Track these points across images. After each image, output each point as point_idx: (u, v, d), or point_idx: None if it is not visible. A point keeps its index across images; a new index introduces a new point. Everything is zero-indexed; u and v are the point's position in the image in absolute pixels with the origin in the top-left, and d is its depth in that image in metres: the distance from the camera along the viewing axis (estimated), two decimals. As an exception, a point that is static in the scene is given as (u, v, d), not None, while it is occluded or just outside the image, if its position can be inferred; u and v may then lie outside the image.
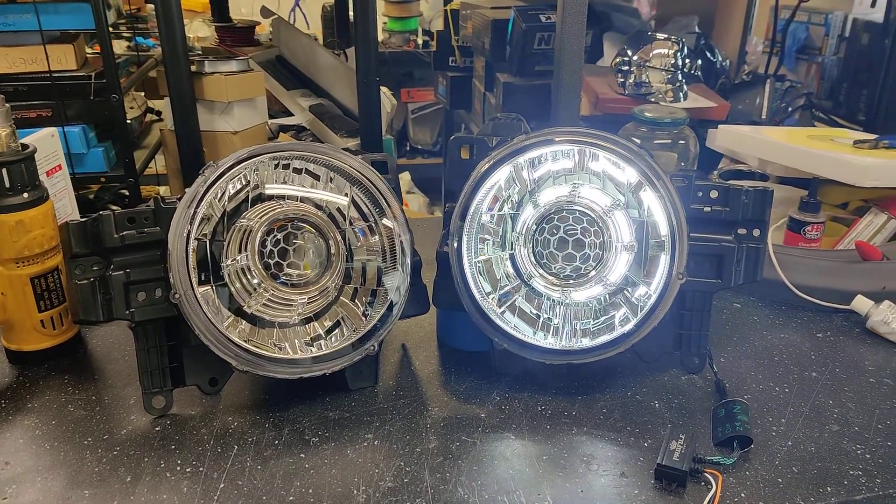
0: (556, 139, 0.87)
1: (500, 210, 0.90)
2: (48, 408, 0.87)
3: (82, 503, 0.72)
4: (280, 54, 1.98)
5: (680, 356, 0.93)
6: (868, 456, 0.78)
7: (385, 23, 3.88)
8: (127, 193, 1.67)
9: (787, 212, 1.14)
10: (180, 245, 0.81)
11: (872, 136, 1.18)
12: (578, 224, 0.87)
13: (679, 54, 1.51)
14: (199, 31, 3.19)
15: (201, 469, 0.77)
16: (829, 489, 0.73)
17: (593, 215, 0.87)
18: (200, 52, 1.99)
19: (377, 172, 0.90)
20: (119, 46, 2.66)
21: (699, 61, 1.61)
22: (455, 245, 0.88)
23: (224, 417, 0.85)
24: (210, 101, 1.54)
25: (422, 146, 3.95)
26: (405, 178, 3.33)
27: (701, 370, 0.92)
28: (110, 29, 1.66)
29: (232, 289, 0.87)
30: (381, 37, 3.99)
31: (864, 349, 0.99)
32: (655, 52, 1.53)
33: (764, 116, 1.71)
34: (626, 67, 1.54)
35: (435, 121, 3.87)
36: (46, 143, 1.15)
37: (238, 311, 0.87)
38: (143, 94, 2.07)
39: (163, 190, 2.23)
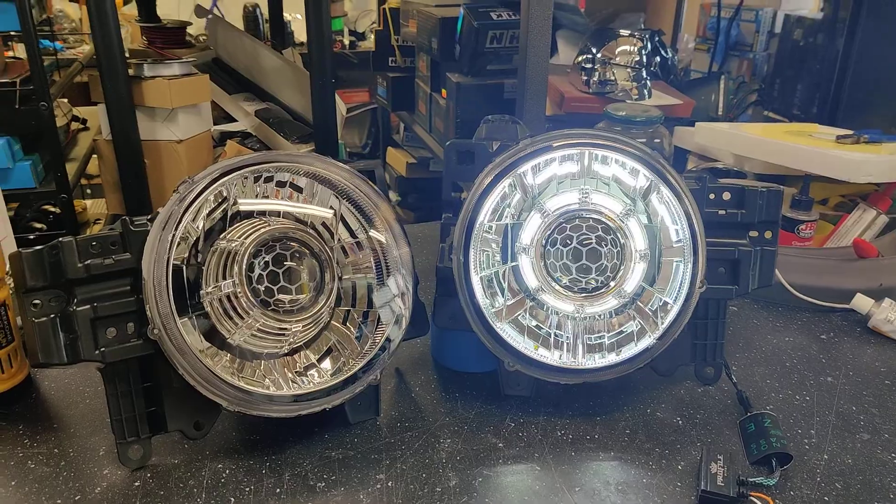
0: (564, 143, 0.81)
1: (499, 220, 0.83)
2: (5, 465, 0.75)
3: (55, 583, 0.61)
4: (217, 57, 1.84)
5: (695, 367, 0.89)
6: (905, 464, 0.75)
7: (311, 23, 3.76)
8: (55, 210, 1.50)
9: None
10: (158, 272, 0.71)
11: (850, 132, 1.18)
12: (593, 233, 0.81)
13: (643, 51, 1.49)
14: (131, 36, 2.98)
15: (195, 530, 0.67)
16: None
17: (609, 223, 0.81)
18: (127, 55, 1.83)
19: (369, 182, 0.82)
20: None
21: (657, 58, 1.60)
22: (461, 259, 0.81)
23: (213, 465, 0.75)
24: (151, 108, 1.41)
25: (351, 149, 3.84)
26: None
27: (717, 381, 0.89)
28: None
29: (213, 319, 0.77)
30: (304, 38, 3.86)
31: (871, 349, 0.98)
32: (620, 48, 1.50)
33: (721, 112, 1.71)
34: (589, 65, 1.50)
35: (364, 122, 3.77)
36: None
37: (220, 344, 0.77)
38: (66, 100, 1.89)
39: (89, 204, 2.05)
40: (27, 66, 1.34)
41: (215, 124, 1.74)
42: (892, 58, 1.59)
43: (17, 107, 1.34)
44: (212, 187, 0.74)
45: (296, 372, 0.80)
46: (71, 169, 1.56)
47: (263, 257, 0.77)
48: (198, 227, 0.76)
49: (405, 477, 0.73)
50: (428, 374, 0.92)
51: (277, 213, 0.81)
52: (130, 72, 1.35)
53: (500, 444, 0.79)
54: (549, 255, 0.82)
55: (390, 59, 2.51)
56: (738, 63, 2.71)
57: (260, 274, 0.76)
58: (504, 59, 1.89)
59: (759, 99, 1.84)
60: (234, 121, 1.73)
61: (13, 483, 0.72)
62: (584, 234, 0.81)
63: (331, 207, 0.83)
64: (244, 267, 0.76)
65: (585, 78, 1.53)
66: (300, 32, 3.93)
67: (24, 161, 1.43)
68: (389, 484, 0.73)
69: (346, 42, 4.04)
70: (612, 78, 1.49)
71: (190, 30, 2.16)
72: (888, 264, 1.05)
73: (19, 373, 0.85)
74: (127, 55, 1.83)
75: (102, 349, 0.72)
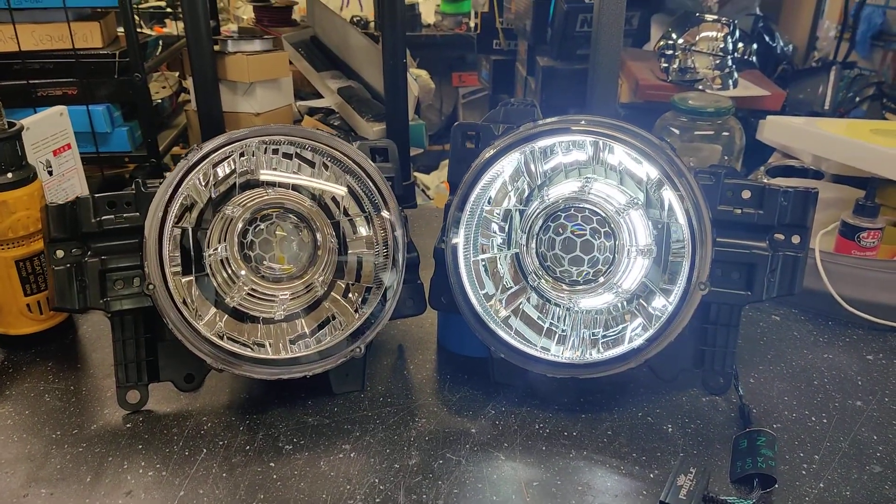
0: (570, 128, 0.77)
1: (505, 204, 0.82)
2: (25, 396, 0.84)
3: (37, 503, 0.68)
4: (314, 35, 1.92)
5: (702, 375, 0.83)
6: (913, 506, 0.67)
7: (438, 5, 3.80)
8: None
9: (840, 215, 1.01)
10: (155, 232, 0.76)
11: (945, 133, 1.04)
12: (588, 224, 0.78)
13: (730, 38, 1.39)
14: (249, 12, 3.17)
15: (164, 473, 0.72)
16: (861, 543, 0.63)
17: (604, 214, 0.78)
18: (236, 33, 1.95)
19: (372, 162, 0.83)
20: (177, 27, 2.66)
21: (755, 45, 1.48)
22: (452, 241, 0.80)
23: (199, 417, 0.80)
24: (232, 82, 1.50)
25: (473, 132, 3.86)
26: (450, 164, 3.24)
27: (725, 392, 0.82)
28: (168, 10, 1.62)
29: (215, 281, 0.81)
30: (433, 19, 3.91)
31: (921, 376, 0.87)
32: (703, 34, 1.40)
33: (827, 107, 1.56)
34: (670, 52, 1.42)
35: (486, 105, 3.78)
36: (54, 121, 1.12)
37: (222, 305, 0.82)
38: (176, 74, 2.05)
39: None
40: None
41: (305, 100, 1.82)
42: None
43: (115, 77, 1.48)
44: (215, 154, 0.78)
45: (289, 339, 0.84)
46: (168, 135, 1.70)
47: (257, 225, 0.80)
48: (209, 193, 0.81)
49: (369, 450, 0.75)
50: (427, 354, 0.93)
51: (288, 186, 0.84)
52: (216, 47, 1.44)
53: (473, 430, 0.78)
54: (542, 243, 0.80)
55: (494, 41, 2.50)
56: (882, 55, 2.45)
57: (251, 240, 0.80)
58: (594, 44, 1.83)
59: (879, 93, 1.66)
60: (321, 97, 1.80)
61: (27, 412, 0.81)
62: (578, 225, 0.78)
63: (341, 184, 0.85)
64: (238, 233, 0.80)
65: (665, 65, 1.44)
66: (427, 15, 3.99)
67: (123, 127, 1.57)
68: (352, 455, 0.74)
69: (472, 24, 4.05)
70: (693, 66, 1.40)
71: (300, 10, 2.26)
72: (962, 283, 0.92)
73: (58, 315, 0.95)
74: (236, 33, 1.95)
75: (106, 299, 0.78)
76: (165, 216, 0.77)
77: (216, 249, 0.81)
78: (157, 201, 0.77)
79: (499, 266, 0.83)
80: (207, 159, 0.79)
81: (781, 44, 1.70)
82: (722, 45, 1.38)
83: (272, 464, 0.73)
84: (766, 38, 1.60)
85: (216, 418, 0.80)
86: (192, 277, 0.80)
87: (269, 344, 0.82)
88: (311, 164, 0.84)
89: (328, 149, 0.81)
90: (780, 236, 0.79)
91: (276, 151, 0.83)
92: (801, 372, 0.88)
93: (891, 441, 0.75)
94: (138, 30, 1.54)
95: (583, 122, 0.77)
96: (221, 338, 0.79)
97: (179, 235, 0.79)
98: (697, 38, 1.39)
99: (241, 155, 0.81)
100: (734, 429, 0.77)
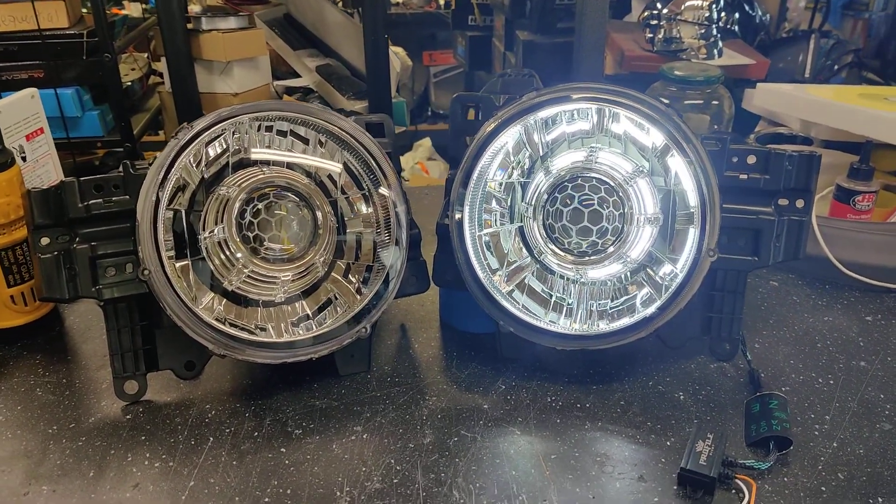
0: (572, 96, 0.76)
1: (508, 177, 0.80)
2: (15, 391, 0.80)
3: (39, 500, 0.66)
4: (287, 12, 1.87)
5: (709, 342, 0.83)
6: (926, 461, 0.68)
7: (408, -17, 3.74)
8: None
9: (835, 179, 1.02)
10: (149, 215, 0.73)
11: (932, 95, 1.05)
12: (595, 193, 0.77)
13: (714, 7, 1.38)
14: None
15: (171, 464, 0.69)
16: (880, 500, 0.63)
17: (612, 183, 0.77)
18: (209, 11, 1.89)
19: (370, 137, 0.80)
20: (136, 9, 2.58)
21: (736, 15, 1.48)
22: (456, 216, 0.78)
23: (202, 405, 0.78)
24: (208, 61, 1.45)
25: (444, 111, 3.82)
26: (426, 143, 3.22)
27: (732, 358, 0.82)
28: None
29: (211, 264, 0.79)
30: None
31: (920, 335, 0.88)
32: (687, 4, 1.40)
33: (808, 75, 1.57)
34: (654, 22, 1.41)
35: (458, 84, 3.74)
36: (25, 104, 1.07)
37: (219, 289, 0.79)
38: (145, 55, 1.98)
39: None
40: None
41: (281, 79, 1.78)
42: None
43: (84, 58, 1.42)
44: (207, 132, 0.75)
45: (291, 322, 0.81)
46: (141, 119, 1.65)
47: (255, 205, 0.78)
48: (201, 173, 0.78)
49: (381, 430, 0.73)
50: (431, 332, 0.91)
51: (283, 164, 0.81)
52: (189, 25, 1.39)
53: (486, 406, 0.77)
54: (550, 215, 0.79)
55: (470, 17, 2.47)
56: (853, 23, 2.48)
57: (250, 221, 0.77)
58: (575, 17, 1.81)
59: (857, 61, 1.67)
60: (299, 76, 1.76)
61: (19, 408, 0.77)
62: (585, 195, 0.77)
63: (337, 161, 0.82)
64: (235, 213, 0.77)
65: (650, 35, 1.44)
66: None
67: (93, 111, 1.52)
68: (365, 436, 0.73)
69: (442, 2, 3.99)
70: (678, 35, 1.39)
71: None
72: (956, 243, 0.94)
73: (44, 306, 0.91)
74: (201, 11, 1.89)
75: (99, 287, 0.75)
76: (158, 199, 0.73)
77: (212, 232, 0.78)
78: (148, 183, 0.74)
79: (503, 240, 0.82)
80: (199, 138, 0.75)
81: (760, 13, 1.70)
82: (707, 15, 1.38)
83: (283, 449, 0.71)
84: (746, 8, 1.60)
85: (220, 405, 0.78)
86: (187, 261, 0.77)
87: (272, 327, 0.80)
88: (306, 141, 0.82)
89: (324, 124, 0.79)
90: (785, 201, 0.79)
91: (269, 129, 0.80)
92: (804, 335, 0.88)
93: (898, 399, 0.76)
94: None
95: (587, 90, 0.76)
96: (222, 322, 0.76)
97: (172, 218, 0.76)
98: (682, 7, 1.39)
99: (234, 133, 0.78)
100: (744, 393, 0.77)
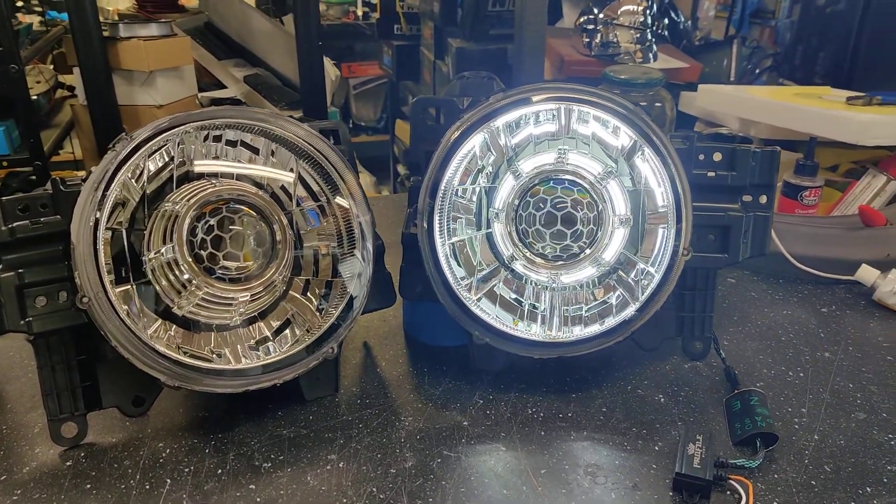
0: (538, 97, 0.74)
1: (473, 183, 0.77)
2: (-68, 443, 0.71)
3: (-27, 567, 0.57)
4: (209, 21, 1.78)
5: (682, 342, 0.82)
6: (905, 448, 0.69)
7: (324, -6, 3.68)
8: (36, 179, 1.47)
9: (781, 176, 1.04)
10: (87, 236, 0.66)
11: (863, 94, 1.09)
12: (568, 196, 0.75)
13: (647, 12, 1.40)
14: (119, 2, 2.93)
15: (126, 512, 0.62)
16: (868, 490, 0.64)
17: (585, 184, 0.75)
18: (126, 18, 1.78)
19: (328, 143, 0.76)
20: (32, 21, 2.42)
21: (666, 20, 1.51)
22: (425, 225, 0.75)
23: (153, 444, 0.70)
24: (128, 71, 1.35)
25: (365, 123, 3.77)
26: (349, 156, 3.15)
27: (705, 356, 0.82)
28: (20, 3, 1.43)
29: (157, 287, 0.72)
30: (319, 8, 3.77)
31: (875, 323, 0.91)
32: (623, 9, 1.41)
33: (732, 78, 1.62)
34: (591, 27, 1.42)
35: (378, 96, 3.70)
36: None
37: (166, 314, 0.72)
38: (51, 67, 1.85)
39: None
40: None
41: (205, 91, 1.69)
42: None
43: (-13, 70, 1.30)
44: (149, 144, 0.68)
45: (249, 345, 0.75)
46: (50, 136, 1.52)
47: (207, 220, 0.72)
48: (141, 189, 0.71)
49: (358, 457, 0.68)
50: (397, 348, 0.87)
51: (232, 176, 0.75)
52: (105, 33, 1.30)
53: (466, 423, 0.73)
54: (522, 220, 0.76)
55: (395, 26, 2.43)
56: (760, 31, 2.59)
57: (203, 238, 0.71)
58: (507, 23, 1.81)
59: (775, 65, 1.74)
60: (224, 87, 1.68)
61: (-60, 460, 0.68)
62: (558, 198, 0.75)
63: (291, 170, 0.77)
64: (185, 231, 0.71)
65: (587, 40, 1.44)
66: None
67: (-4, 127, 1.39)
68: (341, 465, 0.67)
69: (360, 13, 3.94)
70: (615, 40, 1.40)
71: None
72: (897, 233, 0.97)
73: (-40, 344, 0.81)
74: (115, 19, 1.78)
75: (29, 319, 0.67)
76: (98, 216, 0.66)
77: (159, 252, 0.71)
78: (83, 201, 0.67)
79: (471, 248, 0.78)
80: (140, 150, 0.69)
81: (683, 20, 1.75)
82: (641, 19, 1.40)
83: (252, 486, 0.65)
84: (672, 14, 1.64)
85: (175, 443, 0.71)
86: (129, 286, 0.70)
87: (228, 352, 0.73)
88: (256, 151, 0.76)
89: (278, 131, 0.74)
90: (749, 197, 0.79)
91: (217, 138, 0.74)
92: (768, 330, 0.89)
93: (865, 388, 0.78)
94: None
95: (555, 90, 0.74)
96: (175, 350, 0.70)
97: (110, 238, 0.69)
98: (618, 12, 1.40)
99: (178, 144, 0.71)
100: (722, 392, 0.77)
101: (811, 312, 0.93)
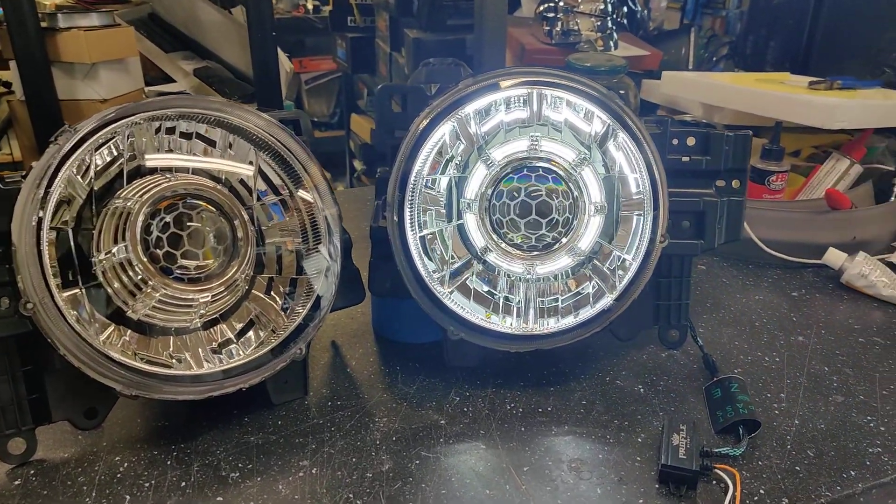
0: (509, 82, 0.71)
1: (443, 173, 0.74)
2: None
3: None
4: (153, 12, 1.71)
5: (658, 330, 0.81)
6: (882, 428, 0.68)
7: (274, -13, 3.59)
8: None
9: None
10: (29, 238, 0.61)
11: (823, 79, 1.10)
12: (542, 183, 0.72)
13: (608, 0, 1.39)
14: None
15: (82, 533, 0.58)
16: (852, 473, 0.63)
17: (560, 172, 0.72)
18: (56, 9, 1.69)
19: (290, 133, 0.72)
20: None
21: (625, 8, 1.50)
22: (395, 218, 0.71)
23: (109, 458, 0.66)
24: (69, 64, 1.28)
25: (318, 118, 3.70)
26: (302, 152, 3.08)
27: (682, 345, 0.81)
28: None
29: (109, 290, 0.67)
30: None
31: (844, 306, 0.91)
32: (583, -4, 1.40)
33: (691, 66, 1.62)
34: (552, 14, 1.40)
35: (331, 91, 3.63)
36: None
37: (120, 319, 0.67)
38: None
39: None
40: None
41: (152, 85, 1.62)
42: (862, 4, 1.51)
43: (-86, 64, 1.22)
44: (95, 137, 0.64)
45: (211, 349, 0.71)
46: (-13, 135, 1.44)
47: (163, 217, 0.67)
48: (88, 185, 0.66)
49: (332, 462, 0.65)
50: (367, 346, 0.83)
51: (187, 170, 0.71)
52: (43, 24, 1.23)
53: (443, 422, 0.70)
54: (496, 210, 0.73)
55: (349, 18, 2.38)
56: (711, 20, 2.63)
57: (158, 237, 0.67)
58: (465, 13, 1.78)
59: (731, 53, 1.76)
60: (172, 81, 1.61)
61: None
62: (532, 186, 0.72)
63: (250, 162, 0.73)
64: (139, 229, 0.66)
65: (548, 28, 1.43)
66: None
67: (-71, 125, 1.31)
68: (314, 471, 0.64)
69: (311, 6, 3.87)
70: (576, 28, 1.39)
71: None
72: (862, 216, 0.98)
73: None
74: (53, 10, 1.69)
75: (-33, 328, 0.61)
76: (41, 215, 0.61)
77: (110, 252, 0.66)
78: (24, 199, 0.62)
79: (442, 241, 0.75)
80: (85, 144, 0.64)
81: (640, 9, 1.75)
82: (602, 7, 1.39)
83: (220, 498, 0.61)
84: (630, 3, 1.63)
85: (133, 456, 0.66)
86: (78, 290, 0.65)
87: (189, 357, 0.69)
88: (212, 143, 0.72)
89: (236, 121, 0.70)
90: (722, 182, 0.78)
91: (170, 130, 0.70)
92: (742, 315, 0.89)
93: (841, 370, 0.78)
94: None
95: (526, 73, 0.71)
96: (131, 357, 0.65)
97: (55, 239, 0.64)
98: (579, 0, 1.39)
99: (128, 137, 0.67)
100: (701, 379, 0.76)
101: (782, 297, 0.93)
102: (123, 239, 0.66)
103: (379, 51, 2.17)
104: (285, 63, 1.60)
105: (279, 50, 1.49)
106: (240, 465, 0.65)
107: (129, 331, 0.68)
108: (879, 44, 1.29)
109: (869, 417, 0.70)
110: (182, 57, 1.63)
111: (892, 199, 1.01)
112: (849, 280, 0.93)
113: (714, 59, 1.71)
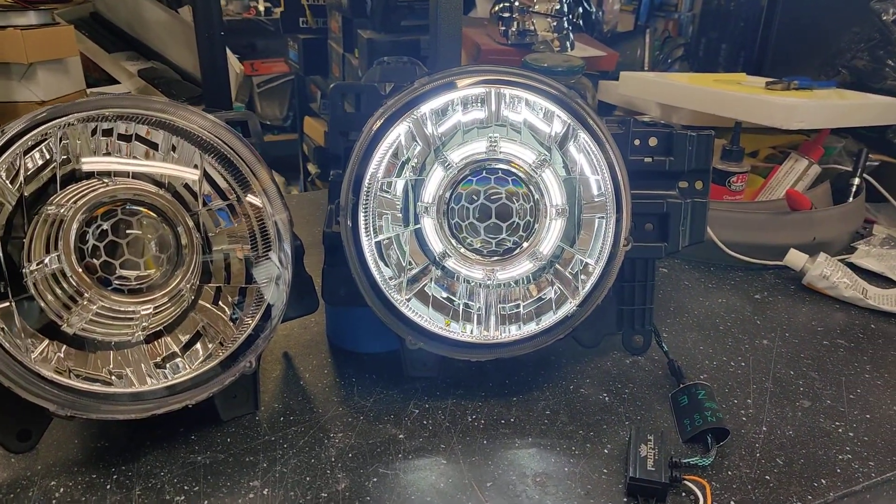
0: (466, 80, 0.69)
1: (398, 176, 0.71)
2: None
3: None
4: (95, 10, 1.64)
5: (622, 336, 0.79)
6: (851, 434, 0.68)
7: (224, -12, 3.51)
8: None
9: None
10: (-49, 248, 0.56)
11: (780, 79, 1.10)
12: (502, 185, 0.70)
13: (564, 0, 1.38)
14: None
15: (10, 569, 0.53)
16: (823, 482, 0.62)
17: (520, 174, 0.70)
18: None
19: (238, 135, 0.68)
20: None
21: (580, 9, 1.49)
22: (349, 223, 0.68)
23: (44, 482, 0.61)
24: (4, 64, 1.22)
25: (271, 122, 3.63)
26: (257, 155, 3.01)
27: (646, 351, 0.79)
28: None
29: (42, 303, 0.62)
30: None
31: (806, 308, 0.91)
32: (539, -4, 1.38)
33: (646, 67, 1.62)
34: (507, 14, 1.39)
35: (284, 94, 3.56)
36: None
37: (55, 333, 0.63)
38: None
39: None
40: None
41: (94, 86, 1.55)
42: (816, 6, 1.53)
43: None
44: (23, 139, 0.59)
45: (154, 363, 0.67)
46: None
47: (99, 225, 0.63)
48: (17, 191, 0.61)
49: (285, 482, 0.61)
50: (321, 357, 0.80)
51: (127, 174, 0.67)
52: (-24, 22, 1.16)
53: (401, 436, 0.67)
54: (454, 213, 0.71)
55: (301, 20, 2.34)
56: (664, 23, 2.65)
57: (94, 245, 0.62)
58: (420, 15, 1.75)
59: (685, 55, 1.77)
60: (116, 82, 1.55)
61: None
62: (492, 188, 0.70)
63: (195, 166, 0.69)
64: (73, 237, 0.62)
65: (503, 28, 1.41)
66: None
67: None
68: (265, 492, 0.60)
69: (262, 8, 3.80)
70: (532, 28, 1.37)
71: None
72: (822, 217, 0.98)
73: None
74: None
75: None
76: (-37, 224, 0.57)
77: (42, 262, 0.61)
78: (-53, 206, 0.57)
79: (398, 246, 0.72)
80: (13, 146, 0.59)
81: (595, 10, 1.75)
82: (558, 7, 1.38)
83: (163, 525, 0.57)
84: (585, 4, 1.63)
85: (69, 480, 0.61)
86: (8, 303, 0.60)
87: (130, 373, 0.65)
88: (154, 146, 0.68)
89: (179, 122, 0.66)
90: (685, 183, 0.77)
91: (107, 132, 0.65)
92: (705, 319, 0.88)
93: (806, 374, 0.77)
94: None
95: (482, 72, 0.69)
96: (66, 374, 0.60)
97: (-18, 249, 0.59)
98: (534, 0, 1.37)
99: (61, 139, 0.62)
100: (667, 386, 0.74)
101: (745, 299, 0.92)
102: (56, 248, 0.61)
103: (332, 52, 2.13)
104: (235, 65, 1.55)
105: (228, 51, 1.45)
106: (185, 487, 0.61)
107: (65, 346, 0.64)
108: (838, 45, 1.31)
109: (837, 423, 0.69)
110: (126, 57, 1.56)
111: (851, 199, 1.01)
112: (810, 281, 0.93)
113: (669, 60, 1.71)
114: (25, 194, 0.62)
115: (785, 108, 0.95)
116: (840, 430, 0.68)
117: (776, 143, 1.15)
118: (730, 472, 0.62)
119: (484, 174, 0.70)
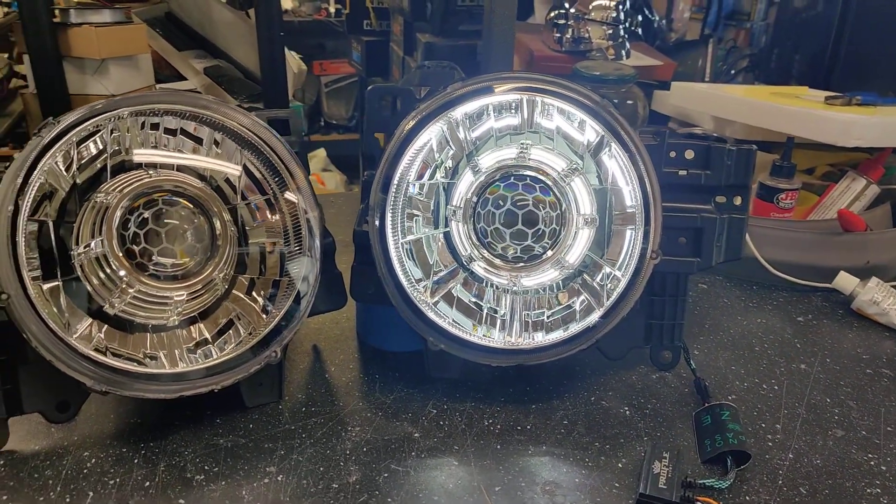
0: (500, 86, 0.69)
1: (430, 178, 0.72)
2: None
3: None
4: (170, 10, 1.72)
5: (650, 351, 0.78)
6: (884, 468, 0.65)
7: (296, -10, 3.62)
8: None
9: (756, 178, 1.01)
10: (4, 228, 0.60)
11: (841, 94, 1.06)
12: (530, 193, 0.70)
13: (620, 7, 1.37)
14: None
15: (39, 531, 0.56)
16: (844, 513, 0.60)
17: (548, 181, 0.70)
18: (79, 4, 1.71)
19: (276, 134, 0.71)
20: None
21: (640, 17, 1.47)
22: (377, 222, 0.70)
23: (78, 453, 0.65)
24: (80, 59, 1.29)
25: (337, 121, 3.71)
26: (321, 154, 3.09)
27: (674, 367, 0.78)
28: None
29: (87, 285, 0.66)
30: (289, 5, 3.70)
31: (853, 334, 0.87)
32: (595, 4, 1.37)
33: (707, 78, 1.59)
34: (562, 21, 1.38)
35: (350, 94, 3.63)
36: None
37: (99, 314, 0.67)
38: (6, 55, 1.77)
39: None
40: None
41: (163, 82, 1.63)
42: (890, 19, 1.46)
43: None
44: (76, 130, 0.63)
45: (187, 348, 0.70)
46: (1, 126, 1.45)
47: (141, 213, 0.66)
48: (72, 178, 0.65)
49: (299, 470, 0.63)
50: (349, 352, 0.82)
51: (172, 167, 0.70)
52: (56, 19, 1.23)
53: (417, 434, 0.68)
54: (481, 218, 0.71)
55: (365, 22, 2.38)
56: (735, 33, 2.58)
57: (135, 232, 0.66)
58: (477, 19, 1.76)
59: (752, 66, 1.72)
60: (184, 79, 1.62)
61: None
62: (519, 195, 0.70)
63: (237, 162, 0.72)
64: (116, 223, 0.65)
65: (558, 35, 1.41)
66: (284, 0, 3.78)
67: (-58, 115, 1.32)
68: (279, 478, 0.62)
69: (332, 10, 3.88)
70: (587, 35, 1.36)
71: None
72: (877, 239, 0.94)
73: None
74: (73, 5, 1.71)
75: (-59, 317, 0.61)
76: (17, 209, 0.61)
77: (88, 246, 0.65)
78: (3, 190, 0.61)
79: (427, 248, 0.74)
80: (67, 136, 0.63)
81: (657, 18, 1.72)
82: (614, 15, 1.36)
83: (181, 500, 0.60)
84: (646, 12, 1.61)
85: (102, 452, 0.65)
86: (57, 283, 0.64)
87: (164, 356, 0.68)
88: (199, 140, 0.71)
89: (220, 119, 0.69)
90: (723, 198, 0.75)
91: (155, 126, 0.69)
92: (741, 339, 0.85)
93: (844, 403, 0.74)
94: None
95: (516, 79, 0.69)
96: (103, 353, 0.64)
97: (37, 231, 0.63)
98: (590, 7, 1.36)
99: (112, 131, 0.66)
100: (691, 405, 0.73)
101: (787, 321, 0.89)
102: (100, 233, 0.65)
103: (393, 54, 2.16)
104: (293, 64, 1.60)
105: (288, 50, 1.49)
106: (206, 467, 0.63)
107: (107, 326, 0.67)
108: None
109: (870, 455, 0.66)
110: (194, 55, 1.63)
111: (909, 222, 0.97)
112: (860, 307, 0.89)
113: (732, 71, 1.67)
114: (78, 182, 0.66)
115: (841, 125, 0.91)
116: (872, 463, 0.65)
117: (835, 160, 1.11)
118: (747, 497, 0.61)
119: (512, 180, 0.70)
